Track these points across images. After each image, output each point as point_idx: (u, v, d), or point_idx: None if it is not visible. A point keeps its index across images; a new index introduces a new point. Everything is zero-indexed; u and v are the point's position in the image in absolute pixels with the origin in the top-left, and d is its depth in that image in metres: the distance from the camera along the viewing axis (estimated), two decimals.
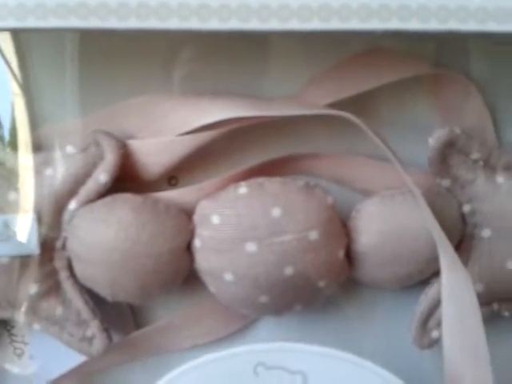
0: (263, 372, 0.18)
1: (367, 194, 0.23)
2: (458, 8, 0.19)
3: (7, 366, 0.24)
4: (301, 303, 0.22)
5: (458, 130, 0.21)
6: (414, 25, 0.19)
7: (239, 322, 0.24)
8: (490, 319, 0.25)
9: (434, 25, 0.19)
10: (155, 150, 0.22)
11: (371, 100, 0.23)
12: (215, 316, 0.24)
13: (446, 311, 0.21)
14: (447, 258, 0.20)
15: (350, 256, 0.22)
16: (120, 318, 0.24)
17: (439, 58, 0.23)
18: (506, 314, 0.24)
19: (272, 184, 0.21)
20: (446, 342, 0.21)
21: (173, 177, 0.23)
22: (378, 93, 0.23)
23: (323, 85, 0.22)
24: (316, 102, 0.21)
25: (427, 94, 0.23)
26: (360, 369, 0.18)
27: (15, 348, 0.24)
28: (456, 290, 0.20)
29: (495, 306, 0.24)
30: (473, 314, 0.19)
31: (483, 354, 0.19)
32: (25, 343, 0.24)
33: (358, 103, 0.23)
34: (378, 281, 0.23)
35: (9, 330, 0.24)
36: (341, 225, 0.22)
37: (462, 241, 0.23)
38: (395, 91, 0.23)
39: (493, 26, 0.19)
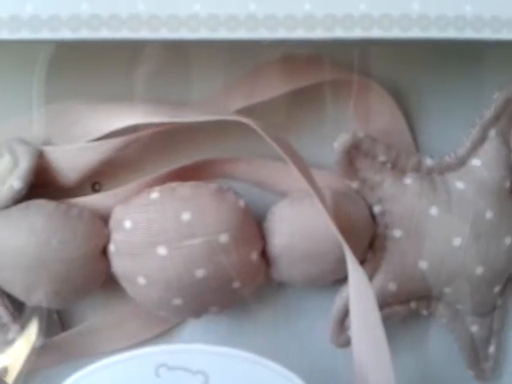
0: (165, 373, 0.18)
1: (284, 196, 0.24)
2: (382, 16, 0.20)
3: None
4: (217, 305, 0.22)
5: (361, 134, 0.21)
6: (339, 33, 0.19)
7: (162, 325, 0.24)
8: (413, 318, 0.26)
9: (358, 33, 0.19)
10: (70, 156, 0.22)
11: (290, 104, 0.24)
12: (136, 320, 0.24)
13: (352, 310, 0.21)
14: (349, 258, 0.20)
15: (266, 257, 0.23)
16: (47, 321, 0.24)
17: (361, 65, 0.24)
18: (425, 312, 0.25)
19: (184, 188, 0.21)
20: (354, 340, 0.21)
21: (96, 182, 0.23)
22: (299, 97, 0.24)
23: (235, 90, 0.22)
24: (229, 106, 0.22)
25: (345, 100, 0.24)
26: (260, 367, 0.18)
27: None
28: (358, 290, 0.20)
29: (413, 305, 0.24)
30: (372, 313, 0.19)
31: (384, 352, 0.19)
32: None
33: (277, 107, 0.24)
34: (293, 280, 0.23)
35: None
36: (256, 227, 0.22)
37: (375, 241, 0.23)
38: (314, 96, 0.24)
39: (416, 33, 0.20)
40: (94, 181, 0.23)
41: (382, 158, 0.22)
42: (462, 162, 0.23)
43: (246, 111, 0.23)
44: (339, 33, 0.19)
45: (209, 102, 0.22)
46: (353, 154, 0.22)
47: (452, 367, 0.26)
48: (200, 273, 0.21)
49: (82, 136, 0.21)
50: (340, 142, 0.22)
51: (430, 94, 0.24)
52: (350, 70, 0.23)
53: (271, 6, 0.19)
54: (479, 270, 0.23)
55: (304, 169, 0.20)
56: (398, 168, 0.23)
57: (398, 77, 0.24)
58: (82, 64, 0.22)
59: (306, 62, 0.22)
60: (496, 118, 0.23)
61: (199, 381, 0.18)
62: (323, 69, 0.23)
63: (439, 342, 0.25)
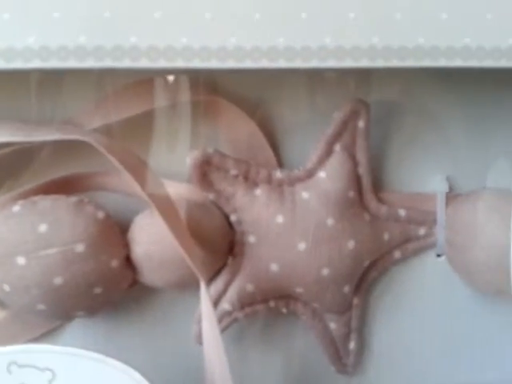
0: (16, 370, 0.20)
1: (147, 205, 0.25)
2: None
3: None
4: (82, 310, 0.23)
5: (211, 150, 0.23)
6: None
7: (39, 329, 0.25)
8: (275, 317, 0.27)
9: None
10: None
11: (152, 122, 0.25)
12: (15, 324, 0.25)
13: (203, 314, 0.23)
14: (193, 269, 0.22)
15: (131, 263, 0.24)
16: None
17: (223, 87, 0.25)
18: (284, 310, 0.26)
19: (44, 201, 0.22)
20: (204, 339, 0.23)
21: None
22: (161, 115, 0.25)
23: (94, 110, 0.23)
24: (87, 125, 0.23)
25: (203, 118, 0.25)
26: (103, 365, 0.20)
27: None
28: (204, 299, 0.22)
29: (272, 304, 0.26)
30: (208, 317, 0.21)
31: (221, 353, 0.21)
32: None
33: (139, 125, 0.25)
34: (156, 285, 0.24)
35: None
36: (118, 236, 0.23)
37: (235, 246, 0.25)
38: (175, 114, 0.25)
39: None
40: None
41: (233, 172, 0.24)
42: (309, 174, 0.25)
43: (108, 129, 0.24)
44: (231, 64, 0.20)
45: (70, 122, 0.23)
46: (205, 169, 0.23)
47: (316, 363, 0.28)
48: (58, 280, 0.22)
49: None
50: (191, 157, 0.23)
51: (292, 113, 0.26)
52: (210, 91, 0.25)
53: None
54: (324, 272, 0.24)
55: (143, 181, 0.21)
56: (250, 180, 0.24)
57: (261, 99, 0.25)
58: None
59: (164, 84, 0.24)
60: (339, 134, 0.24)
61: (47, 377, 0.20)
62: (181, 90, 0.24)
63: (304, 339, 0.28)
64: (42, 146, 0.24)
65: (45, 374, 0.20)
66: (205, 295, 0.22)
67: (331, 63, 0.19)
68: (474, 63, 0.20)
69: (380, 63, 0.19)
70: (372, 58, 0.19)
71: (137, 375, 0.20)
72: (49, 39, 0.19)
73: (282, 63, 0.19)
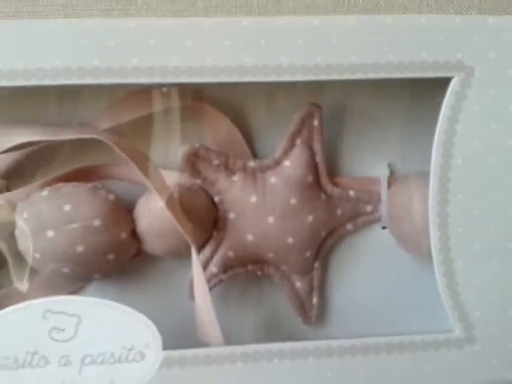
0: (50, 316, 0.25)
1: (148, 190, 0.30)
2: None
3: None
4: (98, 273, 0.29)
5: (197, 145, 0.28)
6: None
7: (63, 292, 0.30)
8: (252, 278, 0.32)
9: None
10: None
11: (151, 124, 0.30)
12: (44, 288, 0.30)
13: (194, 274, 0.28)
14: (187, 238, 0.27)
15: (136, 235, 0.29)
16: None
17: (207, 96, 0.30)
18: (259, 272, 0.32)
19: (66, 187, 0.28)
20: (196, 296, 0.28)
21: (6, 185, 0.30)
22: (157, 119, 0.30)
23: (105, 115, 0.28)
24: (100, 126, 0.28)
25: (192, 120, 0.30)
26: (121, 312, 0.25)
27: None
28: (195, 262, 0.27)
29: (250, 267, 0.31)
30: (198, 276, 0.26)
31: (208, 303, 0.26)
32: None
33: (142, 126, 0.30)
34: (158, 253, 0.30)
35: None
36: (126, 214, 0.29)
37: (218, 222, 0.30)
38: (169, 117, 0.30)
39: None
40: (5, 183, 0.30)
41: (216, 162, 0.29)
42: (277, 163, 0.30)
43: (116, 130, 0.29)
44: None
45: (86, 124, 0.28)
46: (193, 160, 0.29)
47: (288, 315, 0.32)
48: (79, 248, 0.27)
49: None
50: (182, 151, 0.28)
51: (262, 115, 0.31)
52: (196, 99, 0.30)
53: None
54: (289, 240, 0.30)
55: (149, 171, 0.26)
56: (229, 169, 0.30)
57: (239, 103, 0.30)
58: None
59: (160, 93, 0.29)
60: (299, 131, 0.30)
61: (75, 321, 0.25)
62: (173, 98, 0.29)
63: (276, 297, 0.32)
64: (63, 143, 0.29)
65: (73, 318, 0.25)
66: (195, 259, 0.27)
67: (286, 78, 0.24)
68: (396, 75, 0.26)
69: (322, 77, 0.24)
70: (316, 73, 0.24)
71: (148, 321, 0.25)
72: (70, 61, 0.25)
73: (248, 78, 0.24)
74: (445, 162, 0.27)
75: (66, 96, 0.28)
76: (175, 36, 0.25)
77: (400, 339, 0.27)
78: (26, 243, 0.28)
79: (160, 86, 0.28)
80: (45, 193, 0.28)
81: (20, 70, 0.24)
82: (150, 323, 0.26)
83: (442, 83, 0.27)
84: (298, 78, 0.24)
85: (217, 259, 0.30)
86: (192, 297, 0.30)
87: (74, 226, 0.27)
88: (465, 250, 0.27)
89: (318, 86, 0.31)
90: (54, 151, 0.29)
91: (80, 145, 0.30)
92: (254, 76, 0.25)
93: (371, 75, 0.25)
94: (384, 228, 0.32)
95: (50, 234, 0.27)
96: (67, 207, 0.27)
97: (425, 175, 0.30)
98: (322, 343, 0.27)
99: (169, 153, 0.30)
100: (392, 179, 0.31)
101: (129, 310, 0.25)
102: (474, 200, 0.27)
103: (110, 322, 0.26)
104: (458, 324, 0.27)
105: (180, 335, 0.28)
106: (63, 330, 0.25)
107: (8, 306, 0.28)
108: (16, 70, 0.24)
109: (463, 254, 0.27)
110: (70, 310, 0.25)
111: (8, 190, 0.30)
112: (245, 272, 0.32)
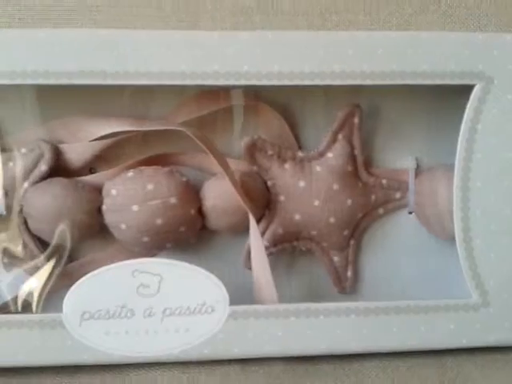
0: (138, 275, 0.30)
1: (213, 175, 0.35)
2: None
3: None
4: (171, 242, 0.33)
5: (256, 137, 0.33)
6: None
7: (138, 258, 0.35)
8: (295, 253, 0.36)
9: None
10: (76, 151, 0.33)
11: (218, 119, 0.35)
12: (121, 255, 0.34)
13: (252, 246, 0.32)
14: (250, 215, 0.32)
15: (202, 213, 0.34)
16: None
17: (264, 95, 0.35)
18: (303, 248, 0.36)
19: (148, 170, 0.33)
20: (253, 264, 0.32)
21: (92, 168, 0.35)
22: (224, 114, 0.35)
23: (179, 111, 0.33)
24: (176, 120, 0.33)
25: (250, 116, 0.35)
26: (196, 273, 0.30)
27: None
28: (254, 235, 0.32)
29: (295, 243, 0.36)
30: (260, 248, 0.31)
31: (268, 271, 0.31)
32: None
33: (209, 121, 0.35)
34: (221, 228, 0.34)
35: None
36: (195, 194, 0.33)
37: (270, 203, 0.35)
38: (230, 115, 0.35)
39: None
40: (90, 166, 0.35)
41: (270, 152, 0.34)
42: (321, 154, 0.35)
43: (189, 123, 0.34)
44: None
45: (164, 118, 0.33)
46: (252, 150, 0.34)
47: (327, 285, 0.37)
48: (159, 221, 0.32)
49: (83, 138, 0.32)
50: (244, 142, 0.33)
51: (309, 113, 0.36)
52: (254, 98, 0.35)
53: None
54: (332, 220, 0.34)
55: (220, 159, 0.31)
56: (281, 158, 0.34)
57: (288, 104, 0.35)
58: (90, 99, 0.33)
59: (224, 92, 0.34)
60: (341, 127, 0.34)
61: (157, 279, 0.30)
62: (234, 98, 0.34)
63: (316, 269, 0.37)
64: (145, 133, 0.34)
65: (156, 277, 0.30)
66: (255, 227, 0.32)
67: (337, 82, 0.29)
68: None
69: (368, 82, 0.29)
70: (363, 78, 0.29)
71: (218, 281, 0.30)
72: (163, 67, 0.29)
73: (307, 82, 0.29)
74: (467, 155, 0.32)
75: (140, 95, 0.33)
76: (248, 47, 0.30)
77: (426, 303, 0.32)
78: (113, 216, 0.33)
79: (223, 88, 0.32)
80: (130, 174, 0.32)
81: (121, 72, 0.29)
82: (219, 282, 0.31)
83: (465, 90, 0.32)
84: (348, 82, 0.29)
85: (268, 235, 0.35)
86: (247, 264, 0.35)
87: (155, 202, 0.32)
88: (482, 230, 0.32)
89: (356, 89, 0.35)
90: (138, 140, 0.34)
91: (157, 135, 0.34)
92: (311, 80, 0.29)
93: (409, 81, 0.30)
94: (410, 213, 0.36)
95: (135, 208, 0.32)
96: (150, 186, 0.32)
97: (447, 168, 0.34)
98: (361, 304, 0.31)
99: (233, 144, 0.35)
100: (418, 171, 0.36)
101: (202, 271, 0.30)
102: (491, 187, 0.32)
103: (186, 281, 0.30)
104: (475, 291, 0.32)
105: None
106: (148, 287, 0.30)
107: (93, 269, 0.33)
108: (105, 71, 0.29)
109: (481, 232, 0.32)
110: (154, 270, 0.30)
111: (92, 172, 0.35)
112: (291, 247, 0.36)
